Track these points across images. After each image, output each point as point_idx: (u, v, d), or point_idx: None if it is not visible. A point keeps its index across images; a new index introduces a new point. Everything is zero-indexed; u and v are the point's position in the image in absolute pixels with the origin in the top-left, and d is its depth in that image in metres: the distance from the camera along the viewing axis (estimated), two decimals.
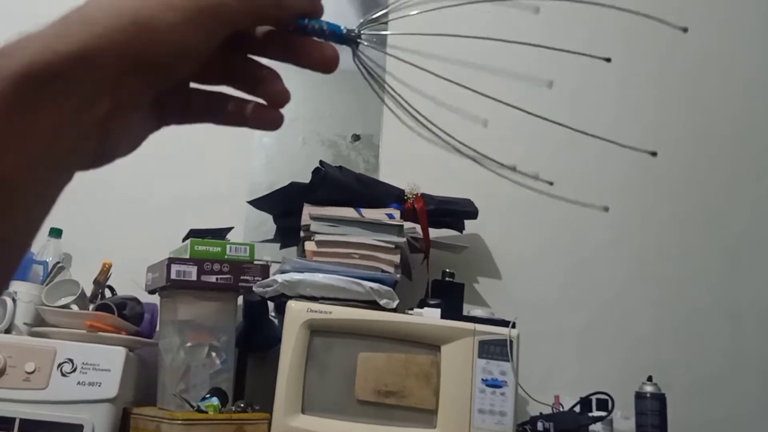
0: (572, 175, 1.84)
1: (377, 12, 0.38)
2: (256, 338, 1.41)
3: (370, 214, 1.39)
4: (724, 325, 1.79)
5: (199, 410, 1.15)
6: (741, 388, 1.74)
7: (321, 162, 1.47)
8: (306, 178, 1.45)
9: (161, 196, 1.63)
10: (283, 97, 0.37)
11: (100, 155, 0.33)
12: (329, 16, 0.38)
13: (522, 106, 2.00)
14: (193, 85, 0.36)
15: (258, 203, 1.51)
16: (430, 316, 1.26)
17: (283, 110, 0.39)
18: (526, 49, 2.04)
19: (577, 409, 1.43)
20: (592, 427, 1.37)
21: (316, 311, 1.18)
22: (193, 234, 1.36)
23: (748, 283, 1.84)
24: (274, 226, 1.58)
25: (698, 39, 2.03)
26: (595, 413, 1.40)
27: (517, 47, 2.05)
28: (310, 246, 1.36)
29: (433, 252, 1.57)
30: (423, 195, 1.52)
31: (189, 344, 1.25)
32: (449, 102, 2.04)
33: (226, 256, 1.31)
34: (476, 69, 2.00)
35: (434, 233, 1.59)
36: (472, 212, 1.59)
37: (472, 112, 2.07)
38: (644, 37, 2.00)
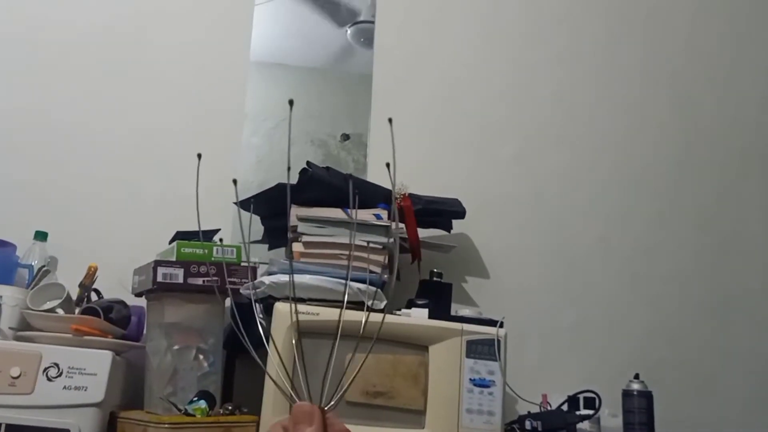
0: (561, 174, 1.85)
1: None
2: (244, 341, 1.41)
3: (358, 214, 1.39)
4: (712, 323, 1.81)
5: (187, 413, 1.14)
6: (728, 385, 1.76)
7: (308, 163, 1.47)
8: (295, 178, 1.45)
9: (148, 198, 1.62)
10: None
11: None
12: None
13: (508, 103, 2.01)
14: None
15: (245, 204, 1.51)
16: (417, 317, 1.26)
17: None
18: (513, 47, 2.05)
19: (565, 407, 1.44)
20: (579, 425, 1.38)
21: (303, 313, 1.18)
22: (180, 236, 1.35)
23: (736, 281, 1.85)
24: (261, 228, 1.58)
25: (686, 36, 2.04)
26: (583, 411, 1.41)
27: (504, 48, 2.06)
28: (297, 247, 1.36)
29: (421, 252, 1.57)
30: (410, 195, 1.53)
31: (176, 347, 1.24)
32: (439, 101, 2.04)
33: (213, 258, 1.30)
34: (466, 68, 1.99)
35: (422, 233, 1.59)
36: (459, 212, 1.60)
37: (463, 113, 2.07)
38: (632, 34, 2.01)
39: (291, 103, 0.41)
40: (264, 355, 1.19)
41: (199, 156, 0.46)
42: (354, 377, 0.46)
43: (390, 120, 0.53)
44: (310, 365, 1.17)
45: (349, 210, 1.38)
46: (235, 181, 0.48)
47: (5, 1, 1.70)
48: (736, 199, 1.93)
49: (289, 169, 0.35)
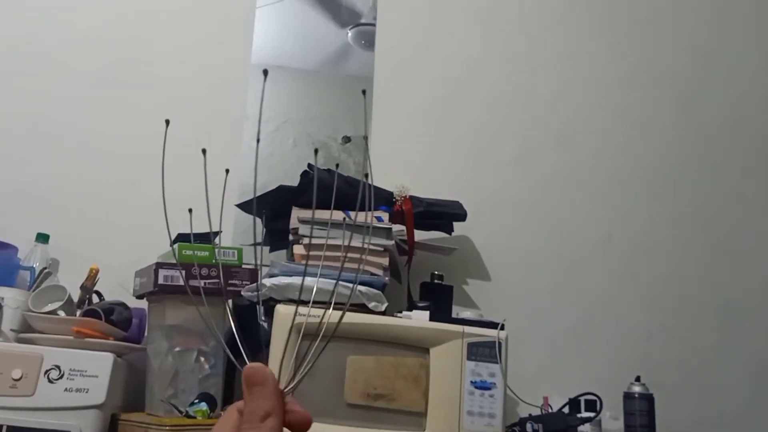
0: (561, 175, 1.85)
1: None
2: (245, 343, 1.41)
3: (359, 217, 1.39)
4: (712, 325, 1.81)
5: (188, 415, 1.14)
6: (729, 387, 1.75)
7: (309, 165, 1.47)
8: (296, 180, 1.45)
9: (149, 199, 1.62)
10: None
11: None
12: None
13: (509, 105, 2.01)
14: None
15: (247, 206, 1.51)
16: (418, 319, 1.26)
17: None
18: (513, 48, 2.05)
19: (566, 410, 1.44)
20: (580, 427, 1.37)
21: (304, 315, 1.17)
22: (181, 238, 1.35)
23: (737, 282, 1.85)
24: (263, 230, 1.58)
25: (687, 36, 2.04)
26: (584, 414, 1.40)
27: (504, 50, 2.06)
28: (298, 249, 1.36)
29: (422, 254, 1.57)
30: (411, 197, 1.53)
31: (177, 349, 1.24)
32: (440, 103, 2.04)
33: (214, 260, 1.30)
34: (466, 71, 1.99)
35: (424, 235, 1.59)
36: (460, 214, 1.60)
37: (464, 115, 2.07)
38: (632, 34, 2.01)
39: (265, 73, 0.41)
40: (265, 357, 1.19)
41: (204, 152, 0.46)
42: (315, 360, 0.44)
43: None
44: (312, 368, 1.18)
45: (350, 212, 1.38)
46: (227, 171, 0.48)
47: (7, 4, 1.71)
48: (738, 199, 1.93)
49: (258, 141, 0.34)
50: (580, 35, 1.98)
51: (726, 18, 2.08)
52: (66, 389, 1.12)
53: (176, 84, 1.73)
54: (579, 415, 1.40)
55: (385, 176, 1.63)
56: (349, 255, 1.34)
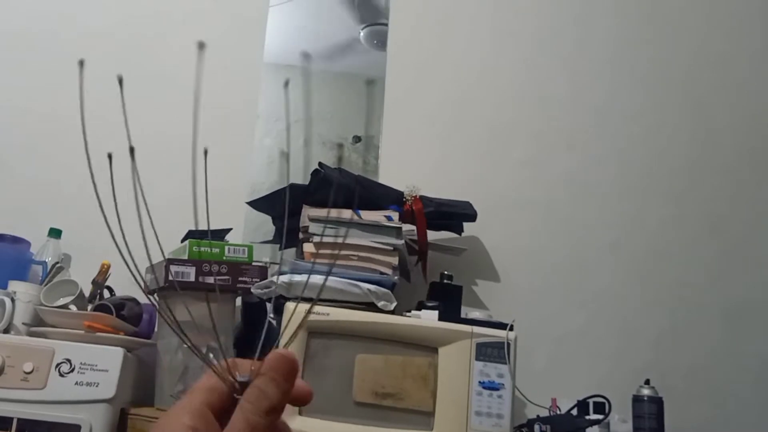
0: (572, 177, 1.84)
1: None
2: (254, 339, 1.41)
3: (369, 216, 1.39)
4: (723, 329, 1.79)
5: None
6: (739, 392, 1.74)
7: (320, 163, 1.48)
8: (307, 179, 1.45)
9: (160, 196, 1.63)
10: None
11: None
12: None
13: (519, 107, 2.00)
14: None
15: (257, 204, 1.52)
16: (427, 318, 1.26)
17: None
18: (524, 51, 2.04)
19: (575, 412, 1.43)
20: (589, 430, 1.37)
21: (314, 313, 1.18)
22: (192, 235, 1.36)
23: (746, 285, 1.84)
24: (273, 228, 1.59)
25: (698, 38, 2.03)
26: (593, 416, 1.40)
27: (516, 52, 2.06)
28: (308, 247, 1.37)
29: (432, 254, 1.57)
30: (422, 197, 1.53)
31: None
32: (451, 104, 2.04)
33: (224, 257, 1.31)
34: (475, 74, 1.99)
35: (433, 235, 1.59)
36: (470, 215, 1.59)
37: (475, 116, 2.07)
38: (643, 37, 2.00)
39: (287, 83, 0.40)
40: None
41: (205, 152, 0.45)
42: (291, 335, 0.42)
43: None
44: (320, 365, 1.18)
45: (360, 211, 1.39)
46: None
47: (23, 4, 1.72)
48: (748, 202, 1.91)
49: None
50: (592, 37, 1.98)
51: (737, 22, 2.07)
52: (76, 383, 1.12)
53: (188, 83, 1.73)
54: (587, 417, 1.39)
55: (395, 176, 1.63)
56: (359, 254, 1.34)
